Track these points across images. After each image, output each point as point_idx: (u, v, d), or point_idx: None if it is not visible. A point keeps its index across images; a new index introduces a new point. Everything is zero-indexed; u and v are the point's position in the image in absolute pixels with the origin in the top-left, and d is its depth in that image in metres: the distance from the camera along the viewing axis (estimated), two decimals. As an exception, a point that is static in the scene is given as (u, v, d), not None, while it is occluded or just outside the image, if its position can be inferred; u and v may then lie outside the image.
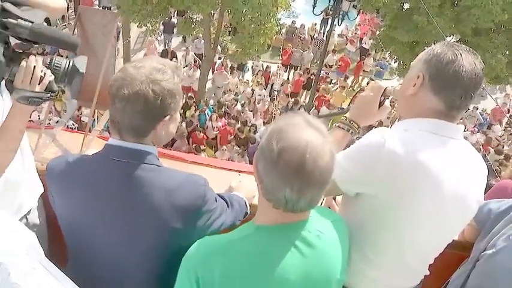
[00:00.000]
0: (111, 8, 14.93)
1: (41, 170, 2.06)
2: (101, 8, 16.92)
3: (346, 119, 1.82)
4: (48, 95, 1.55)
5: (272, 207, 1.28)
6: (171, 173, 1.48)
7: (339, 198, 1.92)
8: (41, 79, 1.51)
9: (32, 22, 1.45)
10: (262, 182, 1.26)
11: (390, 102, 1.85)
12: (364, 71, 16.72)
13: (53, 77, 1.54)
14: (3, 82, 1.53)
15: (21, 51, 1.53)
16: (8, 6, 1.44)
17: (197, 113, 12.39)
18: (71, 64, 1.57)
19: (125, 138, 1.44)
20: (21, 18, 1.44)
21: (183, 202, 1.43)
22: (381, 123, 9.77)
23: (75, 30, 2.60)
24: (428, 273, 1.72)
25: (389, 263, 1.60)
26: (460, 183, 1.49)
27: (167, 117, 1.44)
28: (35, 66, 1.50)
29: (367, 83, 15.17)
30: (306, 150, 1.18)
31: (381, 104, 1.84)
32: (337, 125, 1.84)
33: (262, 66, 16.37)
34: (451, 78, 1.46)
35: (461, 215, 1.57)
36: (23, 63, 1.49)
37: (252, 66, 16.69)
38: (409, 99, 1.56)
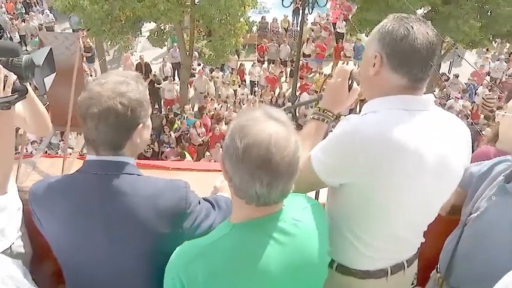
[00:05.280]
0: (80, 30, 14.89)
1: (24, 200, 2.05)
2: (72, 31, 16.94)
3: (319, 109, 1.79)
4: (16, 96, 1.58)
5: (245, 204, 1.29)
6: (151, 180, 1.50)
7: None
8: (5, 83, 1.54)
9: None
10: (232, 180, 1.27)
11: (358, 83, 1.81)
12: (345, 56, 16.71)
13: (15, 77, 1.57)
14: None
15: None
16: None
17: (185, 120, 12.56)
18: (29, 59, 1.60)
19: (102, 154, 1.46)
20: None
21: (166, 206, 1.44)
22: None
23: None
24: (423, 240, 1.73)
25: (384, 241, 1.61)
26: (441, 151, 1.49)
27: (140, 125, 1.46)
28: None
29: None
30: (270, 143, 1.19)
31: (350, 87, 1.79)
32: (311, 116, 1.81)
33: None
34: (408, 53, 1.46)
35: (448, 180, 1.58)
36: None
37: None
38: (372, 79, 1.56)
